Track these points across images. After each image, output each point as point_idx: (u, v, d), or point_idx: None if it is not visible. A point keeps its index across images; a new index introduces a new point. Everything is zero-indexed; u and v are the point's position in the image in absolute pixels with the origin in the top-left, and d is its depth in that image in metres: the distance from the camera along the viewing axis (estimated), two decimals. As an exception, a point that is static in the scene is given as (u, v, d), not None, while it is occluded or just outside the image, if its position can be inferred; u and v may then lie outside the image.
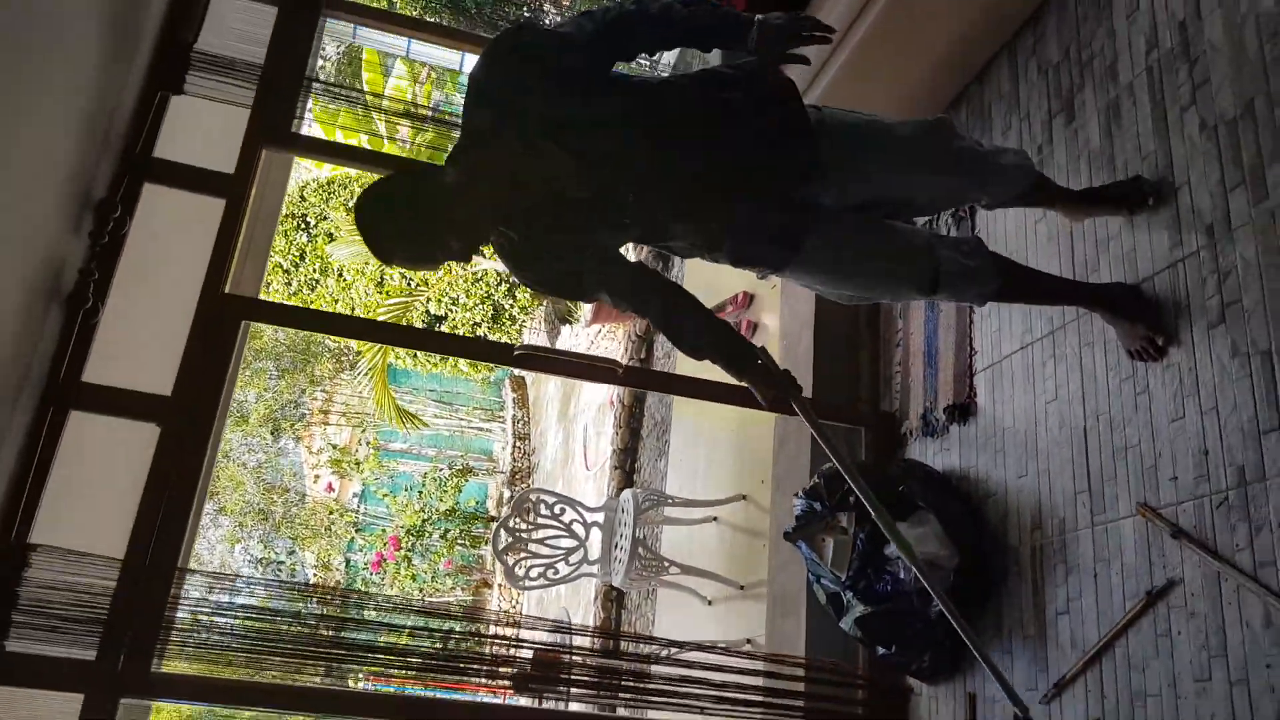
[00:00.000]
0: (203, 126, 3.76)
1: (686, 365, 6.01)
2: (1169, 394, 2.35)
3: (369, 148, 6.04)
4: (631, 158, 2.02)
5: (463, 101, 1.96)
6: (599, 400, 8.28)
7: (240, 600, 2.96)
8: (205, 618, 2.75)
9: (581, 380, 7.20)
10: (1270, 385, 2.08)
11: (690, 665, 3.13)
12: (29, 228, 2.62)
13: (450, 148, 2.00)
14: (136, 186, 3.12)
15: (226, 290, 3.17)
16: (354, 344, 10.72)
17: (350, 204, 10.20)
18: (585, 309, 8.03)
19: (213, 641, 2.73)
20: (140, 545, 2.74)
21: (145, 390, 2.98)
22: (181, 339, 3.02)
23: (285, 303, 9.84)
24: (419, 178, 1.96)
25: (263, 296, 5.57)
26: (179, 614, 2.70)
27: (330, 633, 2.86)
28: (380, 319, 7.63)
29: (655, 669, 3.16)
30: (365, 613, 3.10)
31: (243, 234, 3.32)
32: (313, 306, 10.96)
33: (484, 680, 3.02)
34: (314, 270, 10.90)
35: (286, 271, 10.91)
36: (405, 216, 1.87)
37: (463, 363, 10.85)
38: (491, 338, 10.01)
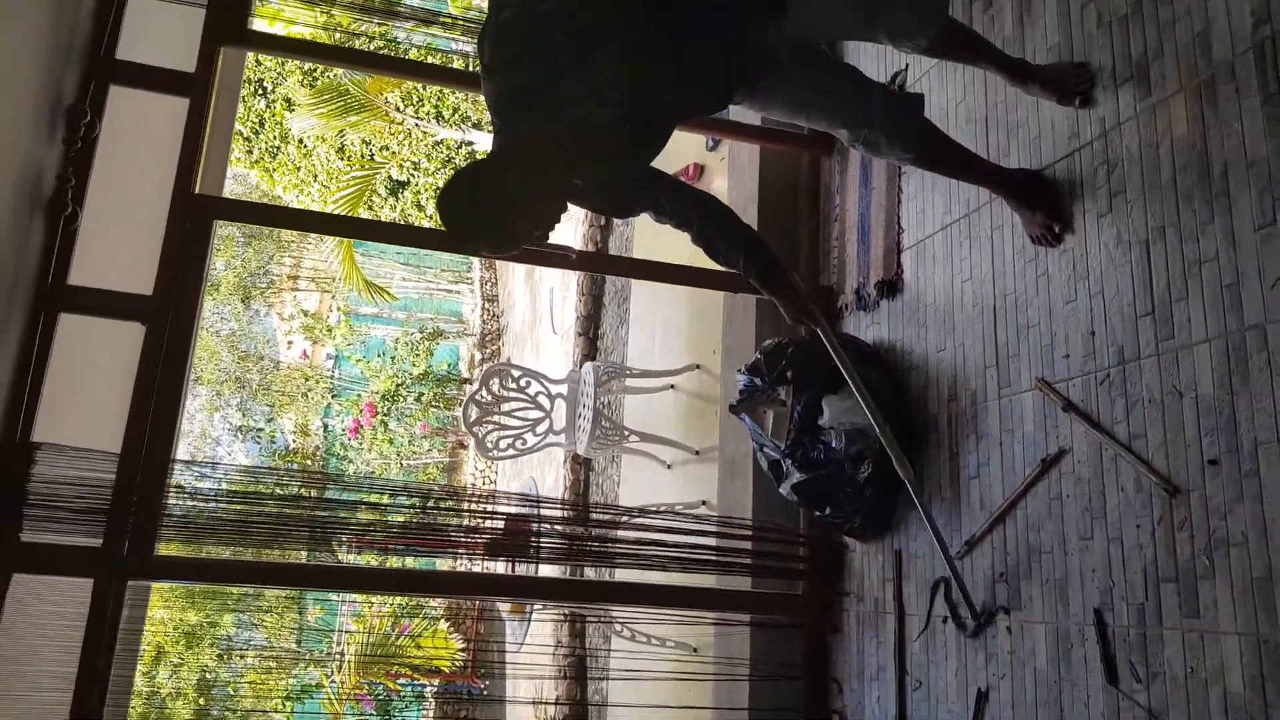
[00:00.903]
0: (163, 28, 3.79)
1: (641, 245, 6.19)
2: (1064, 277, 2.59)
3: (326, 43, 5.98)
4: (650, 64, 2.12)
5: (487, 77, 2.03)
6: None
7: (228, 485, 3.20)
8: (199, 504, 2.99)
9: (538, 265, 7.35)
10: (1146, 272, 2.32)
11: (650, 529, 3.44)
12: (5, 139, 2.72)
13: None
14: (103, 90, 3.19)
15: (196, 190, 3.29)
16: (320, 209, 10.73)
17: (307, 74, 10.01)
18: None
19: (206, 525, 2.98)
20: (135, 439, 2.95)
21: (128, 291, 3.15)
22: (158, 239, 3.16)
23: (256, 201, 9.79)
24: (492, 165, 2.04)
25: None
26: (174, 502, 2.93)
27: (314, 512, 3.11)
28: (344, 198, 7.68)
29: (618, 534, 3.48)
30: (345, 491, 3.35)
31: (208, 131, 3.41)
32: (274, 174, 10.90)
33: (460, 551, 3.31)
34: (274, 138, 10.79)
35: (247, 139, 10.80)
36: (489, 202, 1.96)
37: (429, 227, 10.90)
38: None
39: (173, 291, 3.10)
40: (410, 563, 3.31)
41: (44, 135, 2.94)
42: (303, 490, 3.16)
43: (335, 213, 7.74)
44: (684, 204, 2.42)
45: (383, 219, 10.42)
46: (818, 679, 3.40)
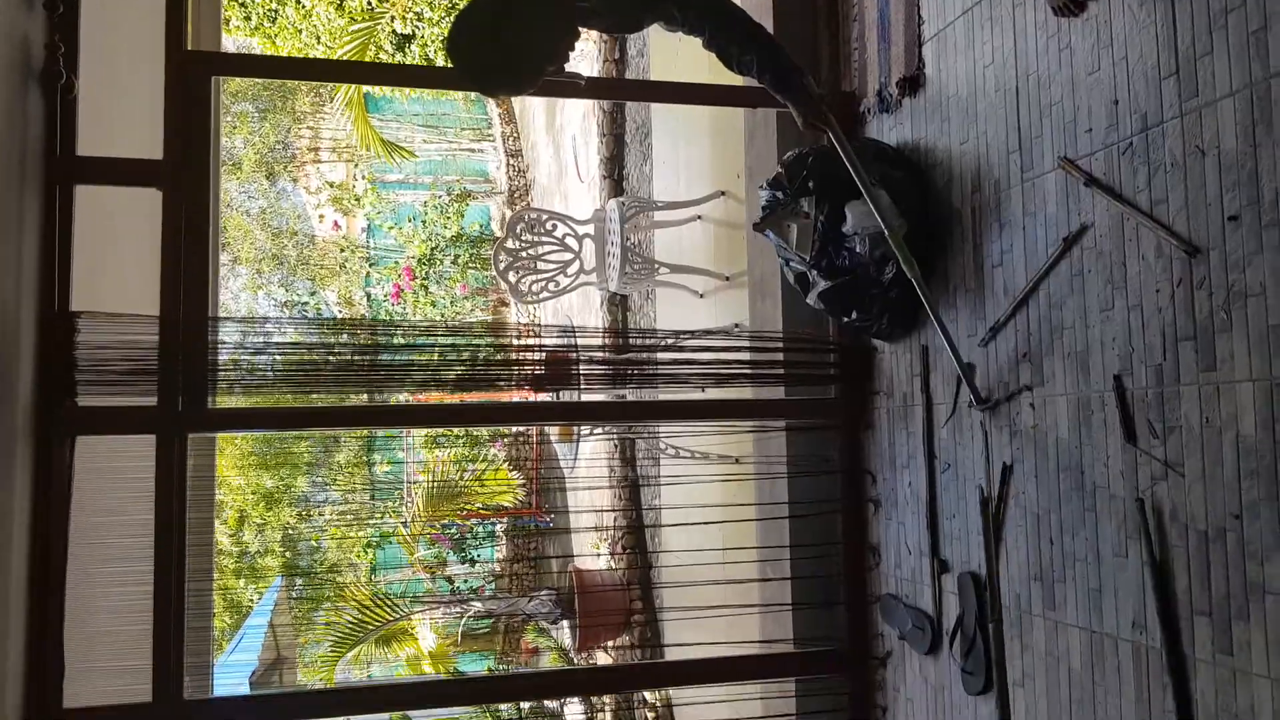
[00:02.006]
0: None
1: (657, 67, 6.05)
2: (1087, 47, 2.53)
3: None
4: None
5: None
6: (582, 108, 8.30)
7: (276, 339, 3.31)
8: (246, 358, 3.11)
9: (548, 97, 7.23)
10: (1171, 30, 2.27)
11: (685, 350, 3.52)
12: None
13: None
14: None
15: (189, 47, 3.26)
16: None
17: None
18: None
19: (256, 379, 3.11)
20: (171, 300, 3.03)
21: (138, 157, 3.18)
22: (159, 100, 3.16)
23: (250, 53, 9.62)
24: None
25: (225, 35, 5.52)
26: (221, 358, 3.05)
27: (366, 359, 3.20)
28: (347, 54, 7.55)
29: (656, 358, 3.57)
30: (395, 338, 3.43)
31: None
32: (276, 40, 10.70)
33: (509, 385, 3.41)
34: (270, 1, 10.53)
35: (243, 5, 10.56)
36: (509, 40, 1.94)
37: (438, 66, 10.71)
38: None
39: (184, 153, 3.11)
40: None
41: (21, 4, 2.86)
42: (357, 347, 3.23)
43: (338, 91, 7.61)
44: (694, 10, 2.39)
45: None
46: (853, 473, 3.53)
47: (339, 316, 12.78)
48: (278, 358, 3.18)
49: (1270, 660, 1.95)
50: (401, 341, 3.47)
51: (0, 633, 2.67)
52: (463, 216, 12.37)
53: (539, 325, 8.45)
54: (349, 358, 3.26)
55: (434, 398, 4.35)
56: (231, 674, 7.63)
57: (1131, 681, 2.31)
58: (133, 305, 3.18)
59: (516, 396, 3.97)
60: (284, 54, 10.14)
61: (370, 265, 13.28)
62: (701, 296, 5.20)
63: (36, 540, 2.83)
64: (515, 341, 3.54)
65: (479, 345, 3.57)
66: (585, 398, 3.74)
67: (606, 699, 5.75)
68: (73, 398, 2.92)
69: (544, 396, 4.01)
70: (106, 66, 3.27)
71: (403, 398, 3.21)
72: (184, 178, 3.08)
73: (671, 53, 5.65)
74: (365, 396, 3.36)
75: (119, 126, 3.52)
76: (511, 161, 12.47)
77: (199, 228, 3.11)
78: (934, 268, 3.16)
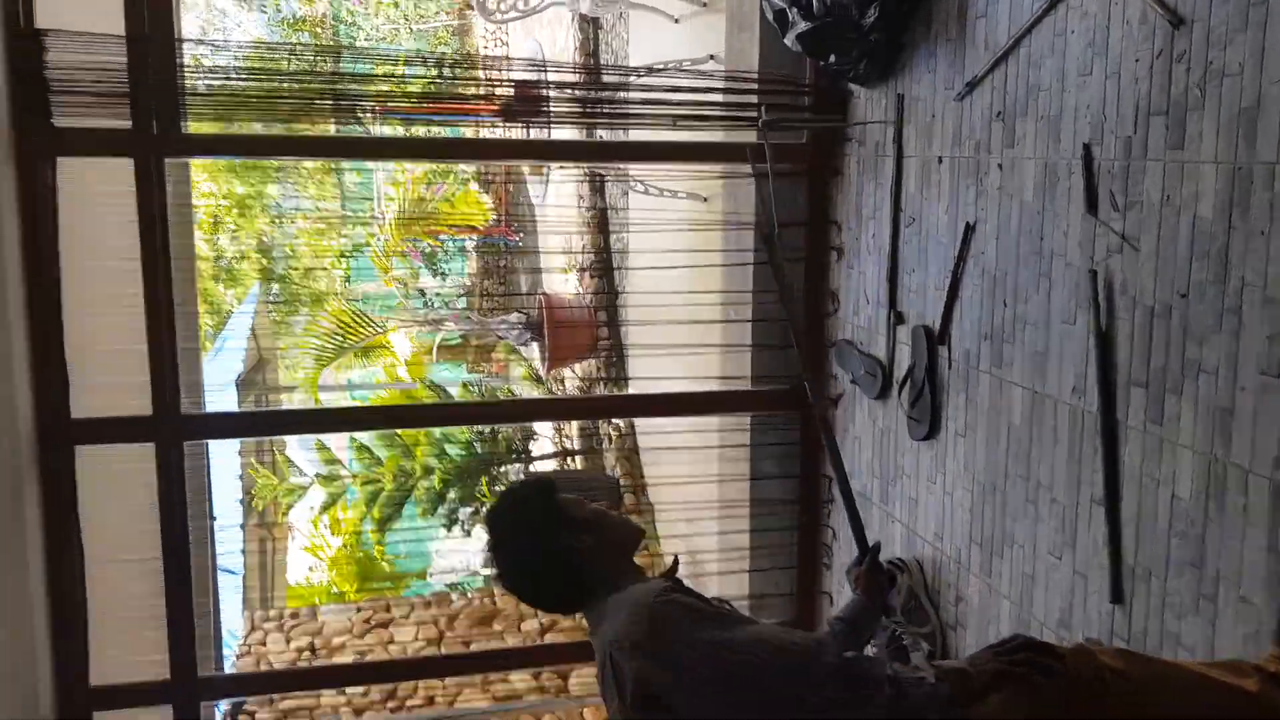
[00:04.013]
0: None
1: None
2: None
3: None
4: None
5: None
6: None
7: (245, 60, 3.22)
8: (217, 80, 3.05)
9: None
10: None
11: (658, 89, 3.47)
12: None
13: None
14: None
15: None
16: None
17: None
18: None
19: (230, 101, 3.06)
20: (136, 18, 2.93)
21: None
22: None
23: None
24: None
25: None
26: (192, 81, 2.99)
27: (334, 84, 3.14)
28: None
29: (627, 94, 3.52)
30: (360, 61, 3.35)
31: None
32: None
33: (477, 116, 3.38)
34: None
35: None
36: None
37: None
38: None
39: None
40: (432, 130, 3.39)
41: None
42: (320, 62, 3.16)
43: None
44: None
45: None
46: (819, 222, 3.61)
47: (298, 15, 12.14)
48: (246, 82, 3.12)
49: (1196, 433, 2.12)
50: (368, 68, 3.39)
51: (5, 348, 2.80)
52: (429, -94, 11.48)
53: (508, 59, 8.13)
54: (317, 80, 3.20)
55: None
56: (218, 376, 7.94)
57: (1065, 442, 2.53)
58: (88, 19, 3.06)
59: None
60: None
61: (330, -43, 12.44)
62: (677, 21, 5.01)
63: (30, 258, 2.90)
64: (483, 74, 3.46)
65: (446, 73, 3.50)
66: (555, 134, 3.71)
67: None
68: (48, 119, 2.88)
69: (514, 130, 3.98)
70: None
71: (372, 121, 3.17)
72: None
73: None
74: (334, 121, 3.33)
75: None
76: None
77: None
78: (917, 11, 3.08)
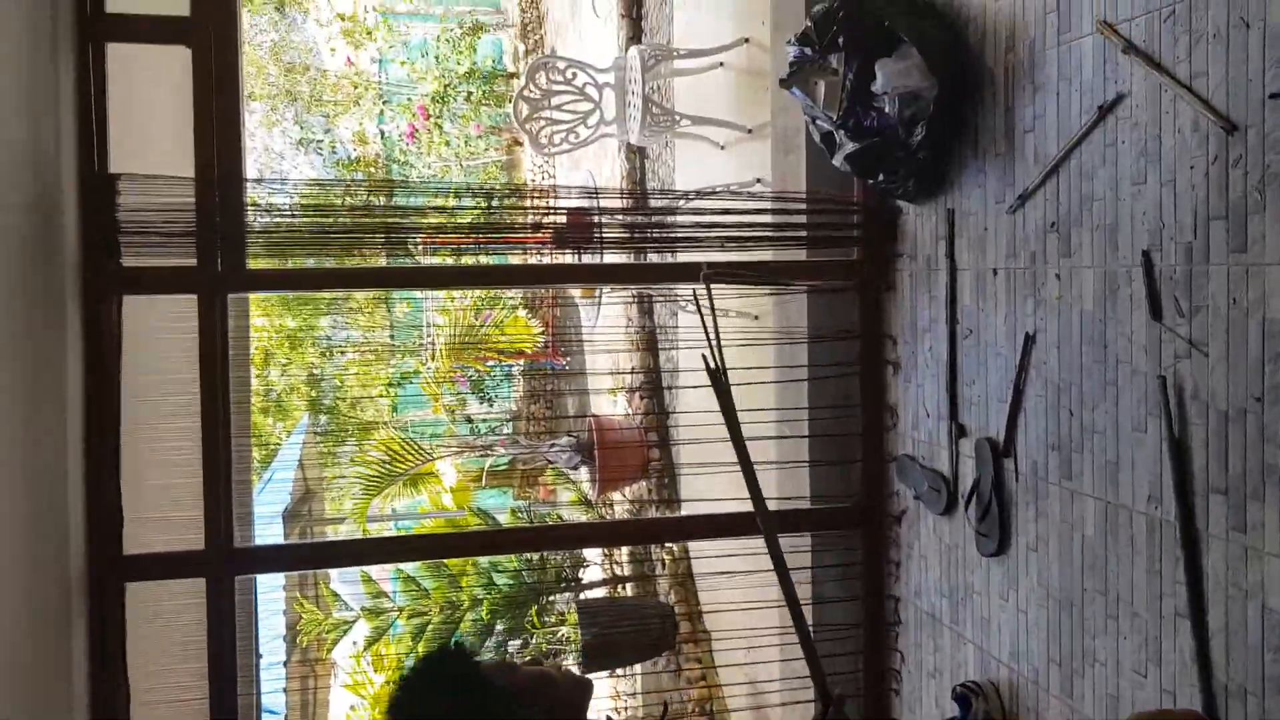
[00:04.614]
0: None
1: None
2: (1134, -94, 2.43)
3: None
4: None
5: None
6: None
7: (302, 198, 3.34)
8: (278, 218, 3.15)
9: None
10: (1222, -107, 2.17)
11: (706, 212, 3.52)
12: None
13: None
14: None
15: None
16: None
17: None
18: None
19: (288, 238, 3.15)
20: (205, 162, 3.06)
21: (166, 14, 3.14)
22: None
23: None
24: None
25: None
26: (253, 219, 3.09)
27: (386, 218, 3.24)
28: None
29: (676, 218, 3.58)
30: (413, 195, 3.46)
31: None
32: None
33: (528, 245, 3.46)
34: None
35: None
36: None
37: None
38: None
39: (209, 8, 3.08)
40: (483, 259, 3.47)
41: None
42: (373, 197, 3.28)
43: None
44: None
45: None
46: (874, 335, 3.59)
47: (353, 156, 12.65)
48: (302, 218, 3.22)
49: (1281, 538, 2.04)
50: (420, 201, 3.50)
51: (61, 483, 2.83)
52: (475, 51, 12.05)
53: (556, 185, 8.40)
54: (370, 215, 3.30)
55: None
56: (264, 509, 7.97)
57: (1144, 552, 2.43)
58: (161, 167, 3.20)
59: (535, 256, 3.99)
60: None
61: (384, 102, 13.04)
62: (722, 148, 5.13)
63: (91, 395, 2.96)
64: (533, 203, 3.55)
65: (496, 204, 3.59)
66: (606, 258, 3.77)
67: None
68: (117, 259, 2.98)
69: (565, 257, 4.05)
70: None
71: (423, 254, 3.26)
72: (212, 34, 3.06)
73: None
74: (386, 254, 3.42)
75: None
76: (525, -9, 12.02)
77: (229, 82, 3.10)
78: (962, 134, 3.13)
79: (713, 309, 2.67)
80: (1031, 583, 2.85)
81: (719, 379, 2.54)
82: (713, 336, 2.52)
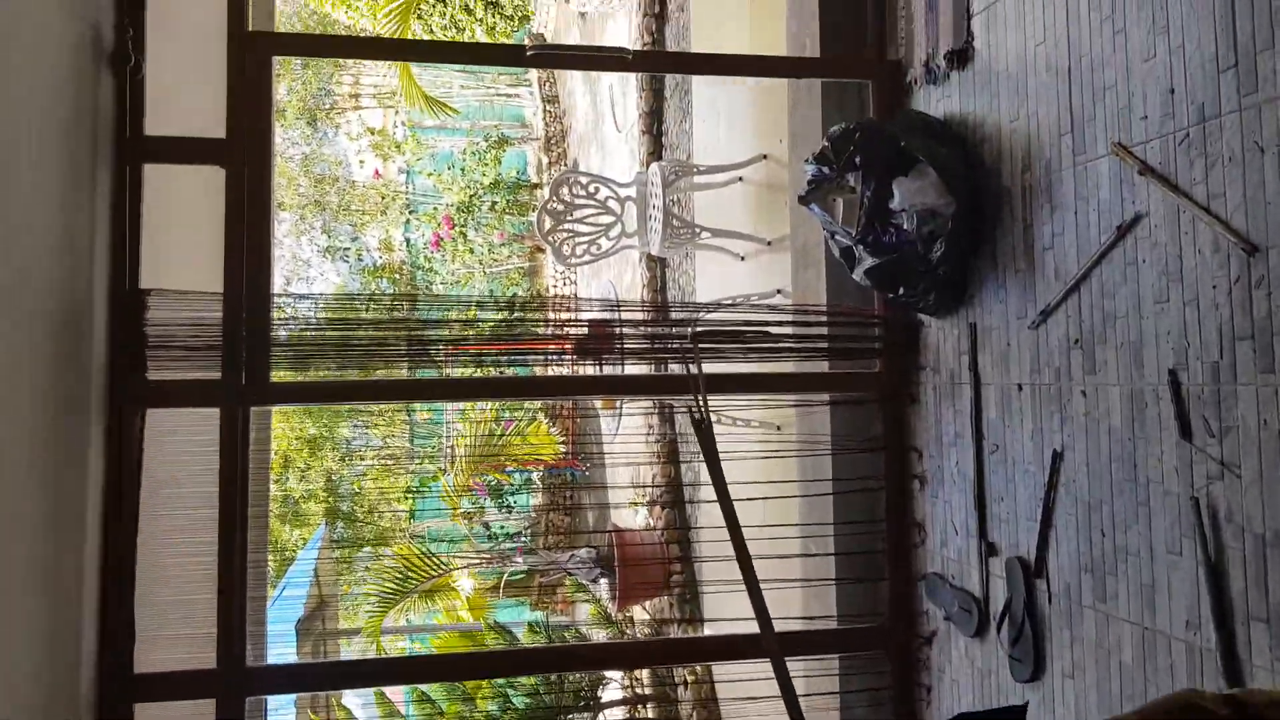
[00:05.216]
0: None
1: (700, 36, 5.98)
2: (1143, 33, 2.49)
3: None
4: None
5: None
6: (622, 59, 8.18)
7: (326, 311, 3.38)
8: (302, 331, 3.18)
9: (594, 70, 7.17)
10: (1230, 21, 2.22)
11: (727, 324, 3.54)
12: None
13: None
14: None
15: (250, 27, 3.30)
16: (371, 27, 10.53)
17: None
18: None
19: (311, 350, 3.18)
20: (234, 277, 3.12)
21: (202, 136, 3.24)
22: (223, 79, 3.21)
23: (309, 33, 9.62)
24: None
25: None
26: (280, 333, 3.13)
27: (409, 330, 3.28)
28: (395, 15, 7.54)
29: (696, 330, 3.59)
30: (436, 308, 3.49)
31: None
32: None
33: (550, 355, 3.47)
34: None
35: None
36: None
37: (480, 32, 10.67)
38: (502, 1, 9.90)
39: (244, 130, 3.18)
40: (505, 370, 3.49)
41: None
42: (395, 311, 3.32)
43: (387, 34, 7.62)
44: None
45: (434, 26, 10.20)
46: (898, 448, 3.55)
47: (378, 264, 12.88)
48: (330, 333, 3.26)
49: (1323, 666, 1.97)
50: (443, 314, 3.53)
51: (75, 600, 2.79)
52: (500, 163, 12.36)
53: (578, 296, 8.49)
54: (393, 328, 3.33)
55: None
56: (277, 619, 7.86)
57: (1185, 680, 2.34)
58: (190, 281, 3.26)
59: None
60: (329, 3, 10.15)
61: (410, 211, 13.34)
62: (742, 259, 5.19)
63: (109, 511, 2.94)
64: (554, 315, 3.58)
65: (518, 315, 3.62)
66: (628, 370, 3.78)
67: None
68: (143, 372, 3.01)
69: (586, 368, 4.06)
70: (169, 45, 3.32)
71: (445, 365, 3.29)
72: (246, 155, 3.15)
73: (715, 15, 5.59)
74: (408, 364, 3.45)
75: (177, 104, 3.58)
76: (548, 108, 12.38)
77: (261, 202, 3.17)
78: (980, 249, 3.15)
79: (700, 369, 2.69)
80: (1069, 712, 2.74)
81: (704, 430, 2.58)
82: (701, 395, 2.64)
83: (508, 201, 12.08)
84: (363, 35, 9.23)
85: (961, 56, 3.31)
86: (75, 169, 2.79)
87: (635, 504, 6.61)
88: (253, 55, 3.23)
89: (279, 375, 3.17)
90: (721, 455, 3.68)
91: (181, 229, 3.79)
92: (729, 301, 4.10)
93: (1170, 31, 2.39)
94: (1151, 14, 2.45)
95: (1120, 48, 2.57)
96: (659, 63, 5.52)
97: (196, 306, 3.04)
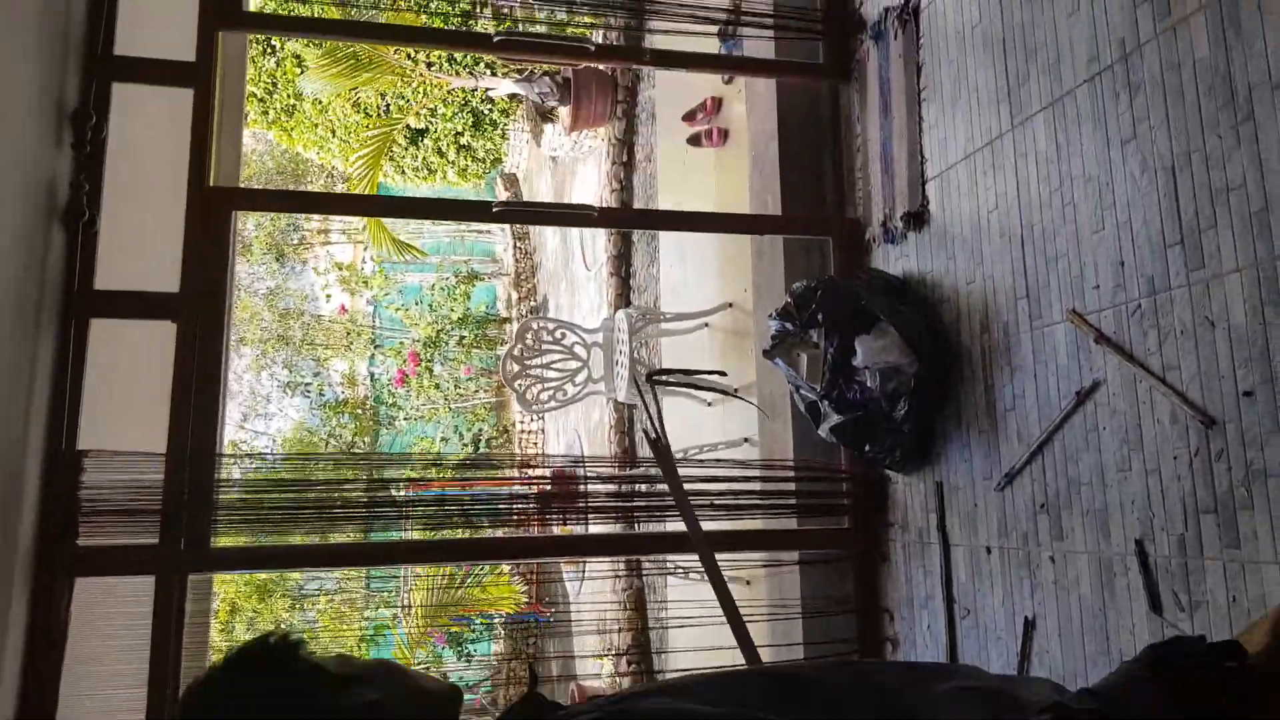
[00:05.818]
0: (160, 15, 3.76)
1: (666, 190, 6.12)
2: (1090, 207, 2.53)
3: (324, 18, 5.87)
4: None
5: None
6: (589, 199, 8.36)
7: (273, 474, 3.27)
8: (248, 495, 3.07)
9: (560, 226, 7.31)
10: (1174, 200, 2.27)
11: (694, 480, 3.47)
12: (13, 151, 2.71)
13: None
14: (106, 88, 3.16)
15: (211, 181, 3.30)
16: (340, 165, 10.72)
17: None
18: (563, 111, 7.96)
19: (258, 515, 3.06)
20: (178, 437, 3.01)
21: (155, 290, 3.19)
22: (179, 233, 3.18)
23: (272, 189, 9.77)
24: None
25: (243, 129, 5.61)
26: (223, 496, 3.01)
27: (363, 493, 3.17)
28: (363, 158, 7.68)
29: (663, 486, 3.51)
30: (390, 468, 3.41)
31: (216, 118, 3.40)
32: (293, 133, 10.87)
33: (511, 518, 3.37)
34: (288, 96, 10.72)
35: (261, 100, 10.74)
36: None
37: (452, 174, 10.87)
38: (474, 145, 10.10)
39: (199, 286, 3.13)
40: (471, 523, 3.39)
41: (50, 142, 2.93)
42: (352, 469, 3.23)
43: (358, 177, 7.73)
44: None
45: (405, 167, 10.38)
46: (869, 609, 3.45)
47: (340, 399, 12.75)
48: (275, 494, 3.15)
49: None
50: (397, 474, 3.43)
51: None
52: (469, 298, 12.43)
53: (542, 454, 8.42)
54: (346, 490, 3.23)
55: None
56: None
57: None
58: (134, 435, 3.15)
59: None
60: (300, 145, 10.32)
61: (375, 346, 13.31)
62: (710, 405, 5.17)
63: (27, 686, 2.75)
64: (517, 474, 3.50)
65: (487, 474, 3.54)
66: (594, 529, 3.68)
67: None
68: (73, 538, 2.87)
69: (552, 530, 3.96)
70: (123, 196, 3.30)
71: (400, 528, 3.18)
72: (199, 311, 3.09)
73: (680, 171, 5.73)
74: (362, 530, 3.33)
75: (129, 254, 3.54)
76: (518, 244, 12.56)
77: (211, 359, 3.11)
78: (944, 408, 3.13)
79: (657, 402, 2.83)
80: None
81: (659, 445, 2.72)
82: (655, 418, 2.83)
83: (476, 336, 12.10)
84: (327, 192, 9.35)
85: (918, 219, 3.37)
86: (18, 327, 2.72)
87: (601, 657, 6.39)
88: (213, 209, 3.21)
89: (222, 542, 3.03)
90: (689, 618, 3.57)
91: (127, 382, 3.70)
92: (695, 451, 4.05)
93: (1117, 207, 2.44)
94: (1098, 189, 2.50)
95: (1070, 219, 2.61)
96: (624, 219, 5.62)
97: (138, 468, 2.92)
